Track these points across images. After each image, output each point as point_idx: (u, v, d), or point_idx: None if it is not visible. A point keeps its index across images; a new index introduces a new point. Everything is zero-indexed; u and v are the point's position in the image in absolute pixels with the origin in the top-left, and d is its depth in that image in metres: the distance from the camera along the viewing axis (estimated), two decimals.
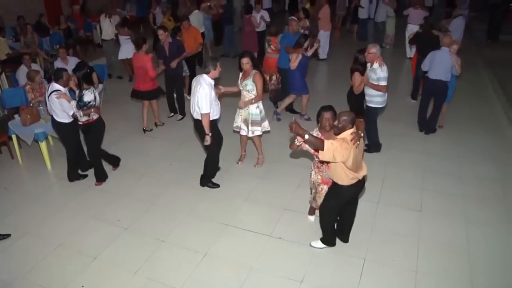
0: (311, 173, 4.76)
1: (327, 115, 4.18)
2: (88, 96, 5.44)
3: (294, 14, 9.54)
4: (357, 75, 6.14)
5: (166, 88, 7.87)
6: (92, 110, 5.51)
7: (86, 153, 6.13)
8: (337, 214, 4.46)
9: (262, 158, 6.32)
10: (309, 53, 7.39)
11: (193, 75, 9.20)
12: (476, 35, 13.90)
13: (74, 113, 5.45)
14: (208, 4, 12.03)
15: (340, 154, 3.77)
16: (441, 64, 6.84)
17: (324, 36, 11.62)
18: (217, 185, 5.86)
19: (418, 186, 5.71)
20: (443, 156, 6.54)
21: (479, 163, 6.30)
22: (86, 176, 6.11)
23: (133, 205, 5.47)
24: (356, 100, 6.37)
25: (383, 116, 6.96)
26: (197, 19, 10.54)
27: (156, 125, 7.80)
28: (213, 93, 5.33)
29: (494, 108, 8.50)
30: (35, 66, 8.30)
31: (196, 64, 9.67)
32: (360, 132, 4.01)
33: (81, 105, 5.43)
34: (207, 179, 5.89)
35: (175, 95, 8.09)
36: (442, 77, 6.88)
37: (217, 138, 5.64)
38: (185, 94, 8.35)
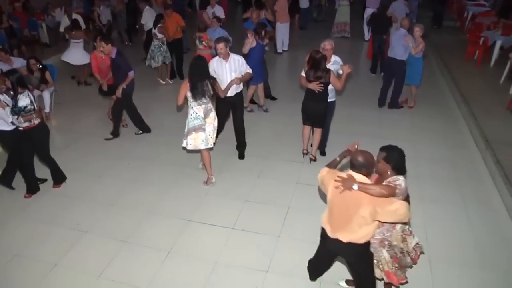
0: (391, 232, 3.57)
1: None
2: (23, 100, 5.01)
3: (250, 7, 9.62)
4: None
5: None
6: (34, 115, 5.12)
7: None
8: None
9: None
10: (265, 41, 7.31)
11: (179, 59, 9.50)
12: (424, 21, 14.46)
13: (12, 120, 5.08)
14: None
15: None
16: (397, 43, 7.42)
17: (281, 28, 11.49)
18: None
19: None
20: (397, 138, 6.69)
21: (431, 144, 6.59)
22: (13, 188, 5.61)
23: (92, 207, 5.31)
24: (325, 108, 5.83)
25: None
26: (150, 15, 10.16)
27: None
28: (214, 67, 5.70)
29: (443, 91, 8.87)
30: None
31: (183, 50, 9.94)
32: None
33: (16, 111, 5.00)
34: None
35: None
36: (396, 56, 7.46)
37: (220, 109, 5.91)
38: (167, 79, 9.48)
